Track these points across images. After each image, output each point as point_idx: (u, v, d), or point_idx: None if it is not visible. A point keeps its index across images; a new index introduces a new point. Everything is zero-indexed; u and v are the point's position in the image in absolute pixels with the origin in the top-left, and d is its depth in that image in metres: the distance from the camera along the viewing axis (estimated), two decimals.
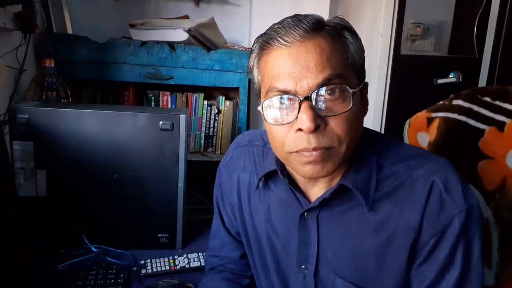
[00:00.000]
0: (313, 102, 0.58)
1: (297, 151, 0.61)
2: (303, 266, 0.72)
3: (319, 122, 0.58)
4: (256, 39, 0.65)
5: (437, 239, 0.62)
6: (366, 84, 0.67)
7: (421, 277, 0.64)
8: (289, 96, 0.60)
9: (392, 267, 0.65)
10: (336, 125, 0.59)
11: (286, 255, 0.75)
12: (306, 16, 0.61)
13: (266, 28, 0.64)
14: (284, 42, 0.59)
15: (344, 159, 0.62)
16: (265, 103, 0.62)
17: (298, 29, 0.59)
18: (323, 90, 0.58)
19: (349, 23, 0.64)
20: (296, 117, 0.59)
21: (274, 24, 0.62)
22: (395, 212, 0.64)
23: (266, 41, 0.62)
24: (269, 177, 0.75)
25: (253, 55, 0.66)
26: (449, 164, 0.66)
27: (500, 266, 0.83)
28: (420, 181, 0.63)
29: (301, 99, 0.58)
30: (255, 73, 0.67)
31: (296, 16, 0.61)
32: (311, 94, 0.58)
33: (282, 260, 0.76)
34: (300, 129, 0.59)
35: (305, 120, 0.57)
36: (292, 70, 0.59)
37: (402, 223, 0.63)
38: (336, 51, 0.60)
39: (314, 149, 0.59)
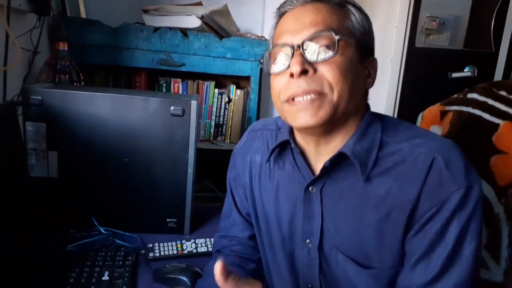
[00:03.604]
0: (304, 51, 0.63)
1: (287, 100, 0.65)
2: (307, 241, 0.73)
3: (307, 66, 0.62)
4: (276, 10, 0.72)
5: (432, 214, 0.62)
6: (372, 59, 0.71)
7: (412, 251, 0.64)
8: (284, 48, 0.65)
9: (390, 242, 0.66)
10: (326, 71, 0.62)
11: (291, 231, 0.76)
12: None
13: None
14: (289, 6, 0.68)
15: (338, 112, 0.64)
16: (266, 55, 0.70)
17: None
18: (313, 39, 0.63)
19: (356, 2, 0.69)
20: (289, 65, 0.64)
21: None
22: (396, 187, 0.65)
23: (279, 8, 0.70)
24: (279, 154, 0.77)
25: (272, 30, 0.72)
26: (454, 145, 0.66)
27: (509, 262, 0.82)
28: (422, 157, 0.64)
29: (294, 48, 0.64)
30: (270, 45, 0.73)
31: None
32: (302, 43, 0.63)
33: (288, 236, 0.77)
34: (292, 75, 0.63)
35: (294, 63, 0.62)
36: (291, 26, 0.66)
37: (401, 198, 0.64)
38: (333, 14, 0.65)
39: (303, 92, 0.62)
